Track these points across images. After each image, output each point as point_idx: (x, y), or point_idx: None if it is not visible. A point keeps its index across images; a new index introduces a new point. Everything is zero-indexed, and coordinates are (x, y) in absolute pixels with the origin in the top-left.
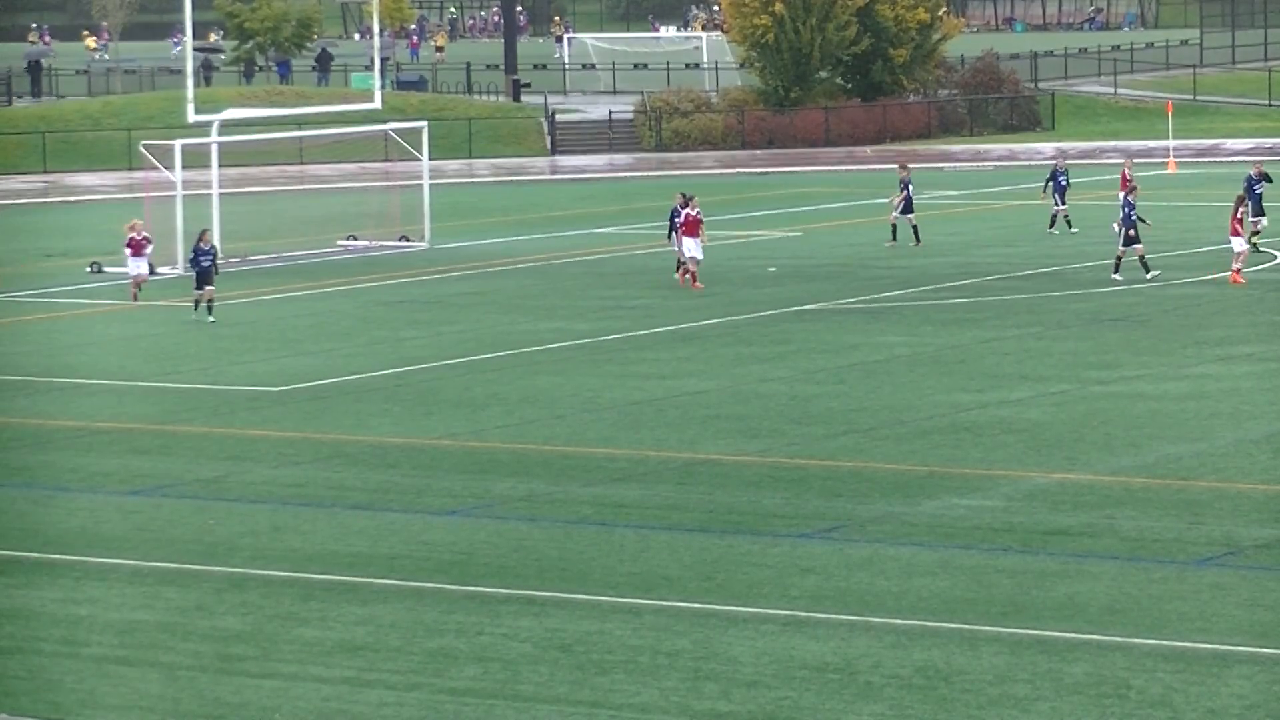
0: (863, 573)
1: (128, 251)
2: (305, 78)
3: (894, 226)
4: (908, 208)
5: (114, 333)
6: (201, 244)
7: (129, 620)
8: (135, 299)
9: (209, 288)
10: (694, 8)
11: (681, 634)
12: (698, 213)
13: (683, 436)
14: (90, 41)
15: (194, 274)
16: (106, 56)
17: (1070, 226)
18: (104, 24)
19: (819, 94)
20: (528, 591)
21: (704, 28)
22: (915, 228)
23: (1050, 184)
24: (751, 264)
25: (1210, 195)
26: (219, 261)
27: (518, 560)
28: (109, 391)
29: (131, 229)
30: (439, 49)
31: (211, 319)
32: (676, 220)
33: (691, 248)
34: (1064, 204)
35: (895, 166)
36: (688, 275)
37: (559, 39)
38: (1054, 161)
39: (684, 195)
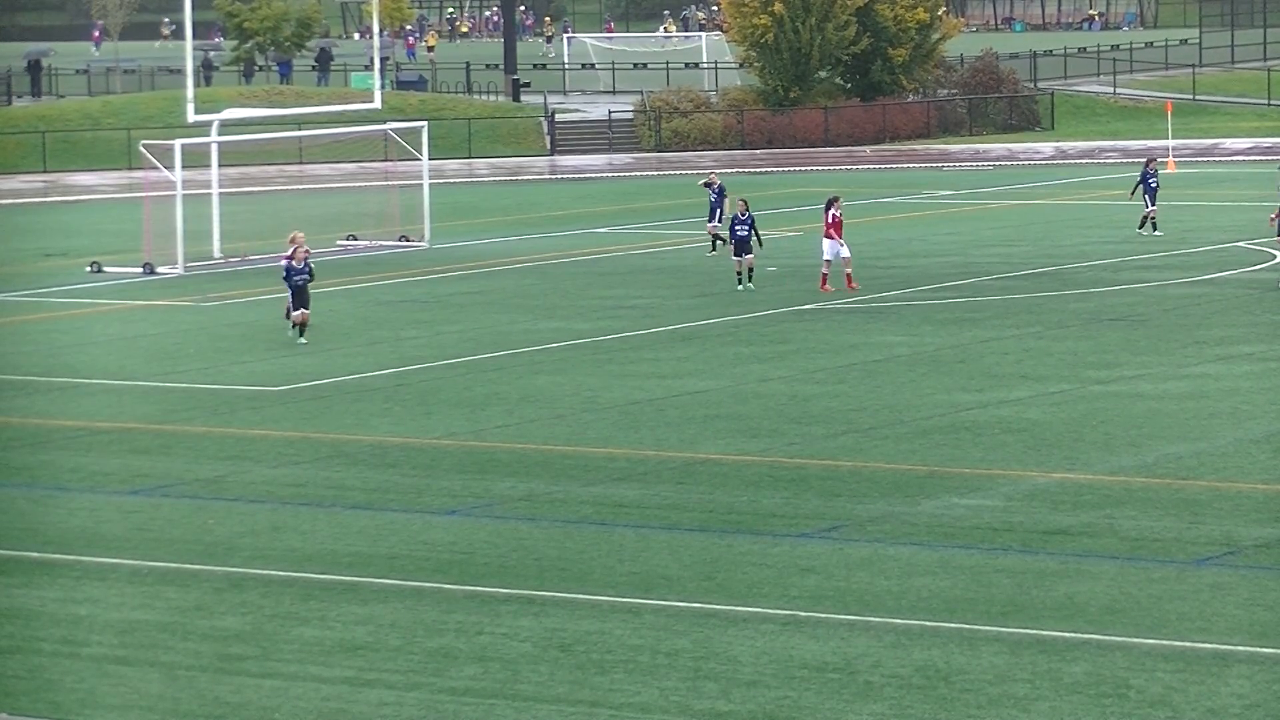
0: (863, 573)
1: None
2: (305, 78)
3: (715, 238)
4: (714, 215)
5: (114, 333)
6: (294, 261)
7: (129, 620)
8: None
9: (305, 310)
10: (693, 7)
11: (681, 634)
12: (840, 214)
13: (683, 436)
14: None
15: (288, 293)
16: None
17: (1155, 229)
18: (99, 22)
19: (818, 94)
20: (528, 591)
21: (675, 27)
22: (717, 238)
23: (1140, 185)
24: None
25: (1210, 195)
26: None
27: (518, 560)
28: (109, 391)
29: (293, 240)
30: (429, 49)
31: (303, 340)
32: (737, 228)
33: (836, 249)
34: (1154, 205)
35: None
36: (833, 276)
37: (549, 39)
38: (1144, 162)
39: (744, 201)
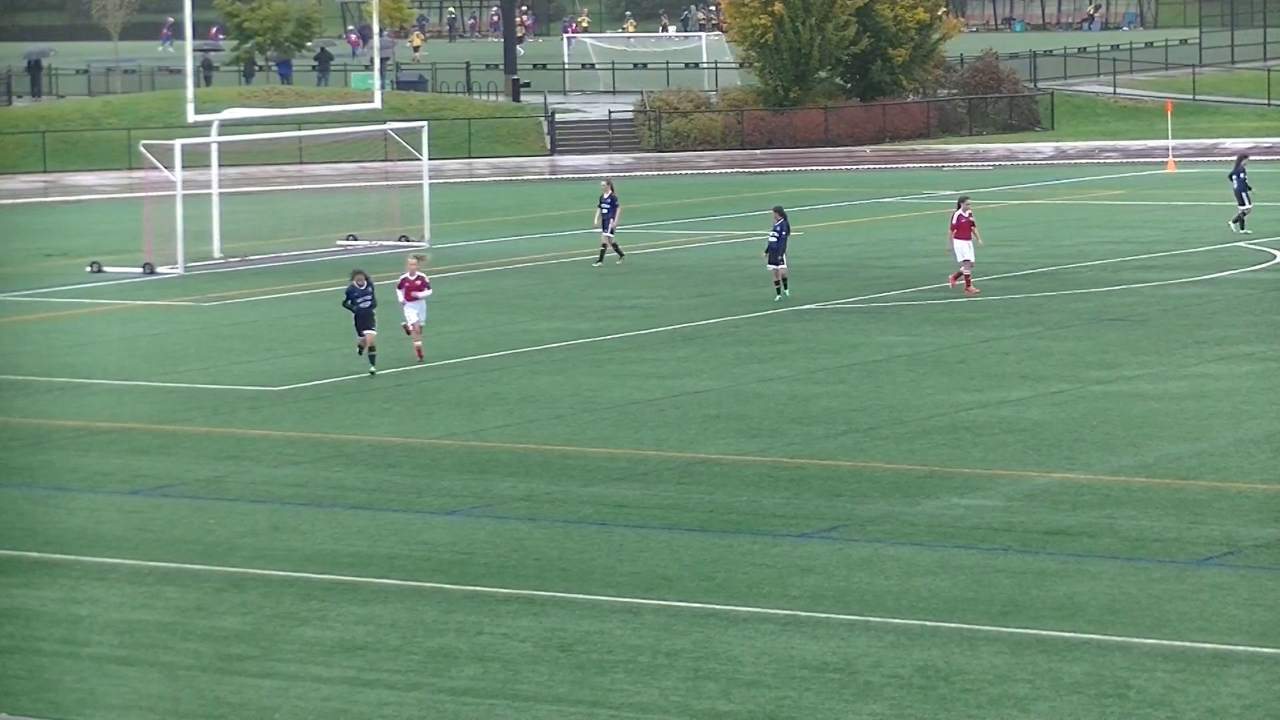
0: (863, 573)
1: (400, 294)
2: (305, 78)
3: (604, 247)
4: (606, 224)
5: (114, 333)
6: (356, 283)
7: (129, 620)
8: (420, 355)
9: (370, 332)
10: (693, 7)
11: (681, 634)
12: (970, 215)
13: (683, 436)
14: (416, 38)
15: (352, 318)
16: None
17: (1243, 228)
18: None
19: (818, 94)
20: (528, 591)
21: (629, 26)
22: (616, 245)
23: (1233, 183)
24: (751, 264)
25: (1210, 195)
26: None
27: (518, 560)
28: (109, 391)
29: (409, 267)
30: (415, 49)
31: (374, 370)
32: (772, 239)
33: (964, 250)
34: (1247, 203)
35: (602, 184)
36: (960, 279)
37: (519, 39)
38: (1236, 159)
39: (778, 209)
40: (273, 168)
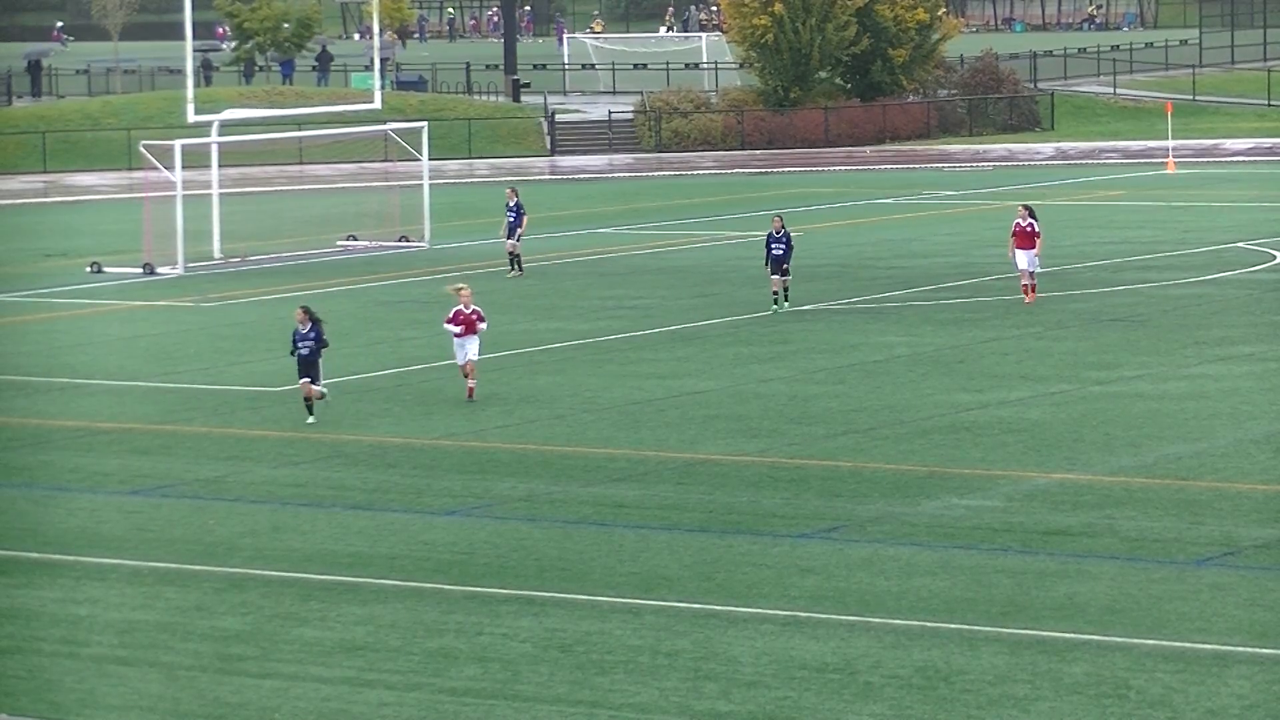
0: (863, 573)
1: (450, 328)
2: (305, 78)
3: (512, 256)
4: (511, 233)
5: (114, 333)
6: (299, 324)
7: (129, 620)
8: (471, 395)
9: (306, 381)
10: (693, 7)
11: (681, 634)
12: (1027, 223)
13: (683, 436)
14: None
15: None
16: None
17: None
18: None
19: (818, 94)
20: (528, 591)
21: (596, 26)
22: (518, 257)
23: None
24: (751, 264)
25: (1210, 195)
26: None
27: (518, 560)
28: (109, 391)
29: (462, 299)
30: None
31: (311, 419)
32: (772, 246)
33: (1025, 259)
34: None
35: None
36: (1026, 287)
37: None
38: None
39: (780, 218)
40: (273, 168)
